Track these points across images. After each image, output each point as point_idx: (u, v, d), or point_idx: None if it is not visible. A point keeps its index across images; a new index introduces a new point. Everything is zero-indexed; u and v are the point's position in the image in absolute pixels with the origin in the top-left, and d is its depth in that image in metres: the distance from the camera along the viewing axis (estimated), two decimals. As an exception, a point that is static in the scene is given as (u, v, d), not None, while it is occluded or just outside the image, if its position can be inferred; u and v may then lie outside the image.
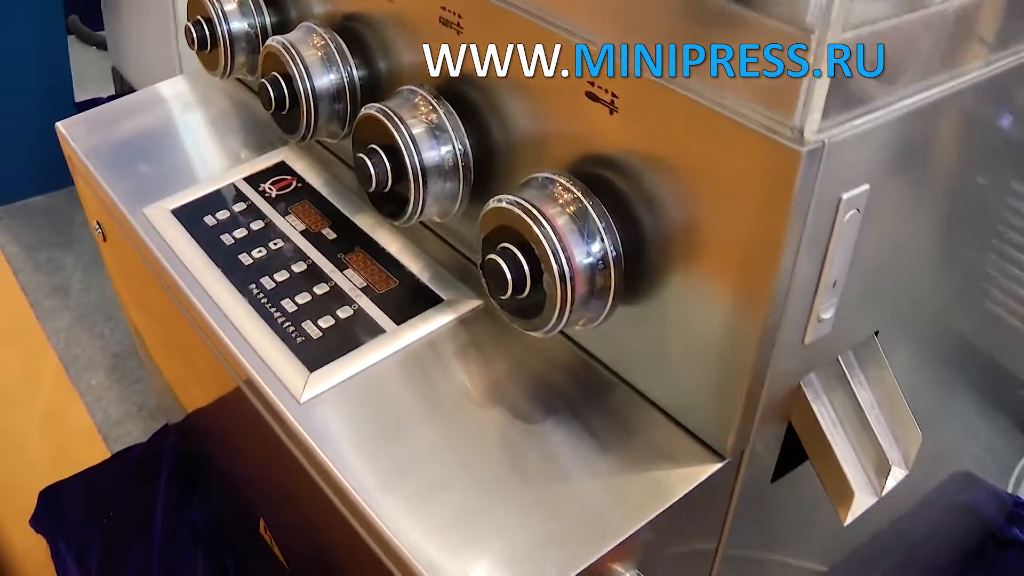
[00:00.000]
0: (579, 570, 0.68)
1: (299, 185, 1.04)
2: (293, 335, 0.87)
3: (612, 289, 0.73)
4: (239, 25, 1.07)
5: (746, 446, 0.75)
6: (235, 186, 1.04)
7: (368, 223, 0.98)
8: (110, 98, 2.94)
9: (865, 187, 0.67)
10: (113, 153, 1.13)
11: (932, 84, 0.70)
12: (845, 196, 0.65)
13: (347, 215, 1.00)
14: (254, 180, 1.05)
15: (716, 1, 0.62)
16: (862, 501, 0.79)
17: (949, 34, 0.70)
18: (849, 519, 0.78)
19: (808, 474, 0.81)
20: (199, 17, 1.08)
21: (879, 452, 0.78)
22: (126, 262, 1.15)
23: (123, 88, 3.09)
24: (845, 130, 0.63)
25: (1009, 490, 1.60)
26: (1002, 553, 1.54)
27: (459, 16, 0.82)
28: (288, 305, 0.90)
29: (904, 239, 0.78)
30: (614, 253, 0.72)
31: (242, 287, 0.92)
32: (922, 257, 0.84)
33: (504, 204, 0.73)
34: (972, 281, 0.99)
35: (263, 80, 0.95)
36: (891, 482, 0.79)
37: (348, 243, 0.96)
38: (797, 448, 0.80)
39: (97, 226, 1.20)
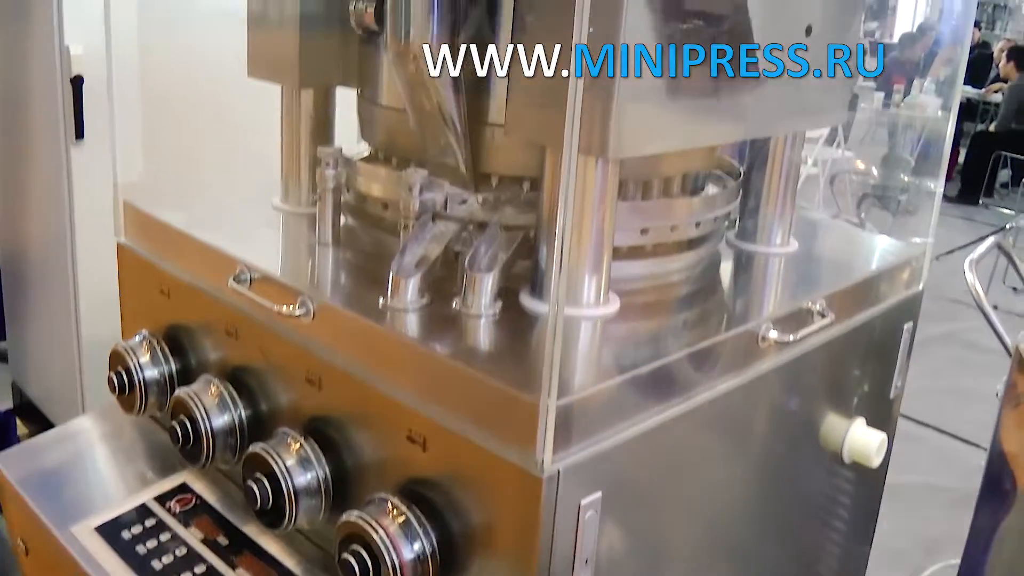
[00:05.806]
0: None
1: (198, 502, 1.31)
2: (195, 624, 1.13)
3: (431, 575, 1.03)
4: (151, 374, 1.37)
5: None
6: (146, 505, 1.31)
7: (253, 531, 1.25)
8: (7, 412, 3.10)
9: (598, 494, 0.99)
10: (42, 480, 1.39)
11: (640, 419, 1.03)
12: (583, 502, 0.97)
13: (236, 525, 1.27)
14: (162, 499, 1.32)
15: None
16: None
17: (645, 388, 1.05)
18: None
19: None
20: (119, 368, 1.38)
21: None
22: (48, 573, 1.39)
23: (21, 401, 3.27)
24: (574, 458, 0.95)
25: None
26: None
27: (320, 377, 1.14)
28: (191, 600, 1.16)
29: (650, 528, 1.09)
30: (431, 549, 1.02)
31: (154, 588, 1.18)
32: (682, 548, 1.15)
33: (353, 518, 1.03)
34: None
35: (173, 423, 1.25)
36: None
37: (238, 547, 1.23)
38: None
39: (20, 543, 1.43)
